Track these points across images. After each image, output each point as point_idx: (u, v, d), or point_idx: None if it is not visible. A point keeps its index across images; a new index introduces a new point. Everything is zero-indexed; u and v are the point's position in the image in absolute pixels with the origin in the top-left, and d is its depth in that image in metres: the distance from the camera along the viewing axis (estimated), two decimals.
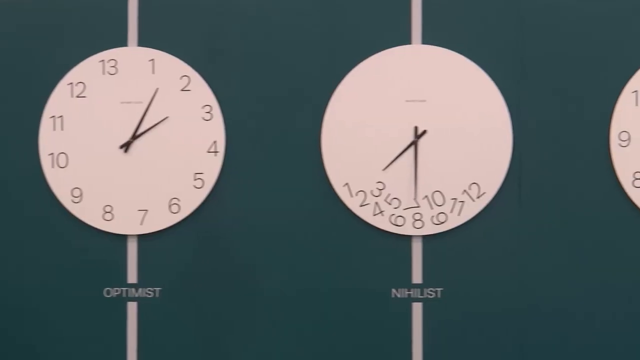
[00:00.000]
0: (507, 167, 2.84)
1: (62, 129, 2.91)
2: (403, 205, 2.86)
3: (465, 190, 2.85)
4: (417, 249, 2.87)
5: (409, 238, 2.87)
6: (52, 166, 2.90)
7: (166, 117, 2.89)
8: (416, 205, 2.85)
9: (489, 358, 2.85)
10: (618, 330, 2.82)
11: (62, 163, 2.90)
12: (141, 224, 2.88)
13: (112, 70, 2.91)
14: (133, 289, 2.90)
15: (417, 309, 2.87)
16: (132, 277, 2.90)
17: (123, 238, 2.90)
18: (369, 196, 2.86)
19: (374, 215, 2.86)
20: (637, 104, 2.83)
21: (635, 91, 2.83)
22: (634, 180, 2.82)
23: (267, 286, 2.87)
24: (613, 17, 2.84)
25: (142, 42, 2.92)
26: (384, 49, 2.87)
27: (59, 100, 2.92)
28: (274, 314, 2.87)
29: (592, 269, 2.83)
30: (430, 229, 2.86)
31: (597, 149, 2.84)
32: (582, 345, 2.83)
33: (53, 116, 2.91)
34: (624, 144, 2.83)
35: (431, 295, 2.87)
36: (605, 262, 2.83)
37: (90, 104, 2.91)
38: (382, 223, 2.86)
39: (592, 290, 2.83)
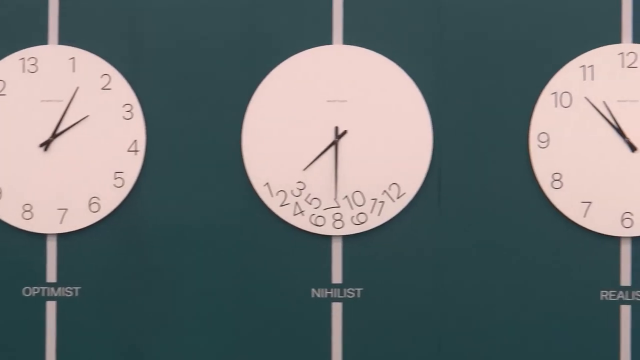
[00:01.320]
0: (427, 167, 2.85)
1: None
2: (323, 206, 2.86)
3: (385, 191, 2.85)
4: (337, 249, 2.87)
5: (329, 238, 2.87)
6: None
7: (86, 116, 2.88)
8: (336, 206, 2.86)
9: (408, 358, 2.85)
10: (536, 330, 2.83)
11: None
12: (61, 222, 2.87)
13: (32, 69, 2.89)
14: (52, 288, 2.89)
15: (337, 309, 2.87)
16: (51, 276, 2.89)
17: (42, 237, 2.89)
18: (290, 196, 2.86)
19: (294, 215, 2.86)
20: (556, 106, 2.84)
21: (555, 93, 2.84)
22: (552, 182, 2.84)
23: (187, 286, 2.87)
24: (533, 19, 2.85)
25: (63, 40, 2.91)
26: (305, 49, 2.87)
27: None
28: (193, 314, 2.87)
29: (510, 270, 2.84)
30: (350, 229, 2.86)
31: (516, 150, 2.85)
32: (500, 345, 2.84)
33: None
34: (543, 145, 2.84)
35: (351, 295, 2.87)
36: (523, 263, 2.84)
37: (9, 102, 2.89)
38: (302, 223, 2.86)
39: (511, 291, 2.84)
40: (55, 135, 2.87)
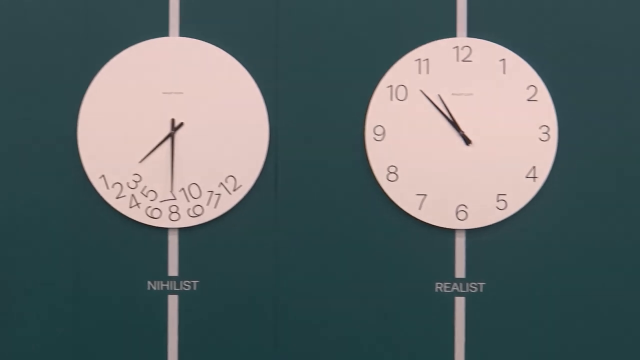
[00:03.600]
0: (263, 160, 2.85)
1: None
2: (159, 198, 2.85)
3: (221, 183, 2.85)
4: (173, 242, 2.87)
5: (165, 230, 2.86)
6: None
7: None
8: (172, 198, 2.85)
9: (244, 349, 2.86)
10: (371, 321, 2.85)
11: None
12: None
13: None
14: None
15: (173, 301, 2.87)
16: None
17: None
18: (126, 188, 2.85)
19: (130, 207, 2.85)
20: (391, 99, 2.85)
21: (390, 86, 2.85)
22: (388, 174, 2.85)
23: (22, 279, 2.85)
24: (370, 13, 2.86)
25: None
26: (142, 41, 2.86)
27: None
28: (27, 307, 2.85)
29: (347, 262, 2.85)
30: (187, 222, 2.86)
31: (352, 143, 2.86)
32: (336, 335, 2.85)
33: None
34: (378, 138, 2.85)
35: (187, 287, 2.87)
36: (360, 255, 2.85)
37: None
38: (138, 215, 2.85)
39: (347, 283, 2.85)
40: None
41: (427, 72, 2.85)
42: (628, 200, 2.84)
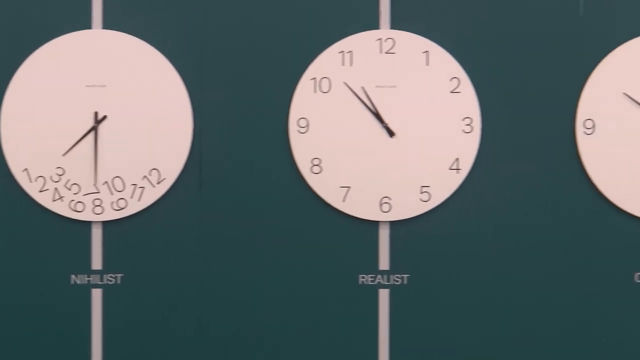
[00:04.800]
0: (187, 153, 2.85)
1: None
2: (83, 191, 2.84)
3: (145, 176, 2.84)
4: (97, 235, 2.86)
5: (88, 224, 2.85)
6: None
7: None
8: (96, 191, 2.84)
9: (170, 341, 2.86)
10: (295, 313, 2.85)
11: None
12: None
13: None
14: None
15: (96, 295, 2.86)
16: None
17: None
18: (49, 182, 2.84)
19: (54, 201, 2.84)
20: (315, 91, 2.85)
21: (314, 78, 2.85)
22: (312, 167, 2.85)
23: None
24: (293, 4, 2.86)
25: None
26: (64, 34, 2.85)
27: None
28: None
29: (271, 254, 2.85)
30: (111, 215, 2.85)
31: (277, 135, 2.86)
32: (261, 324, 2.85)
33: None
34: (302, 130, 2.86)
35: (111, 281, 2.86)
36: (284, 248, 2.85)
37: None
38: (61, 209, 2.84)
39: (270, 275, 2.85)
40: None
41: (351, 65, 2.86)
42: (550, 191, 2.85)
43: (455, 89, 2.85)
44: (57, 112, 2.84)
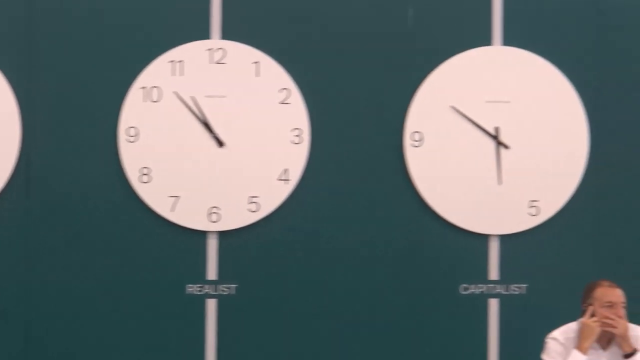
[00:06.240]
0: (14, 161, 2.81)
1: None
2: None
3: None
4: None
5: None
6: None
7: None
8: None
9: None
10: (125, 320, 2.83)
11: None
12: None
13: None
14: None
15: None
16: None
17: None
18: None
19: None
20: (145, 100, 2.85)
21: (144, 87, 2.85)
22: (140, 176, 2.84)
23: None
24: (124, 14, 2.86)
25: None
26: None
27: None
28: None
29: (100, 263, 2.84)
30: None
31: (106, 144, 2.86)
32: (89, 334, 2.83)
33: None
34: (132, 139, 2.86)
35: None
36: (112, 257, 2.84)
37: None
38: None
39: (99, 286, 2.83)
40: None
41: (182, 74, 2.86)
42: (377, 202, 2.88)
43: (285, 99, 2.87)
44: None
